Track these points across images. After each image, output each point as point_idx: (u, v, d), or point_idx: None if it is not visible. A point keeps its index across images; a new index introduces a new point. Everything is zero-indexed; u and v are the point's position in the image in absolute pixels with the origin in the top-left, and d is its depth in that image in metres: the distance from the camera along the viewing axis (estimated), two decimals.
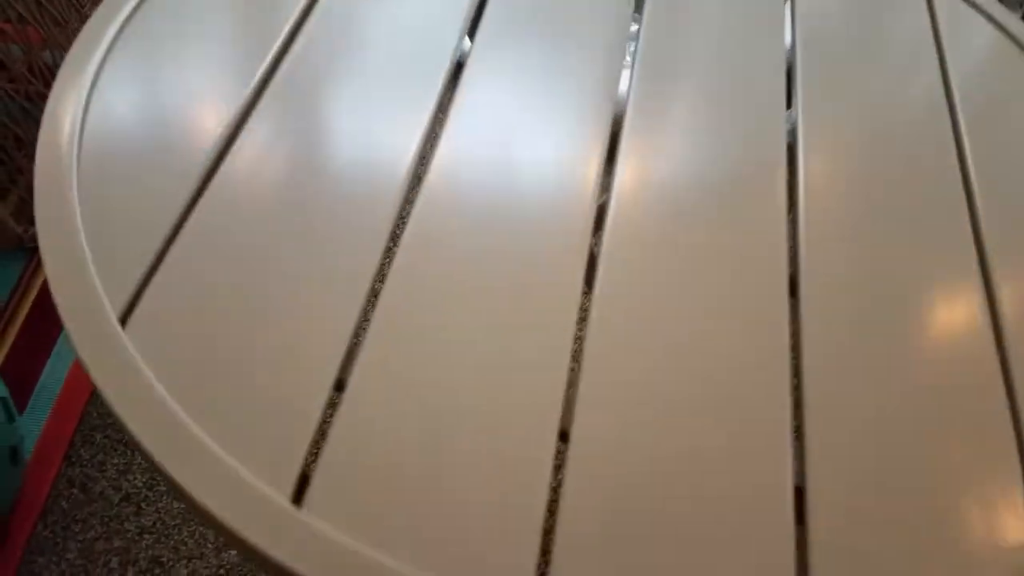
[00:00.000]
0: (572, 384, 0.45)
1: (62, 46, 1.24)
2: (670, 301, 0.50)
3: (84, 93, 0.54)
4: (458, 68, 0.63)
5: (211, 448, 0.41)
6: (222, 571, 0.98)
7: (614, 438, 0.43)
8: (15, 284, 1.17)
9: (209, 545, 0.99)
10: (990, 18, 0.75)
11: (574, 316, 0.48)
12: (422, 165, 0.56)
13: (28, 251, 1.21)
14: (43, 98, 1.27)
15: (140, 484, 1.03)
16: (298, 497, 0.40)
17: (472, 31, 0.66)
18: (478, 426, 0.43)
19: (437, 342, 0.46)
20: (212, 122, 0.55)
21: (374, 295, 0.48)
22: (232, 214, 0.50)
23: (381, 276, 0.49)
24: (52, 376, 1.10)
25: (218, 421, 0.42)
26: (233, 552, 0.99)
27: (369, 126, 0.57)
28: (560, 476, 0.42)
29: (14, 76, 1.18)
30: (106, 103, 0.55)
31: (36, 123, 1.23)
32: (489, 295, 0.48)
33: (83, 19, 1.26)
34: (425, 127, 0.57)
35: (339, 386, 0.45)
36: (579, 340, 0.48)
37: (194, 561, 0.98)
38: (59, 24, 1.22)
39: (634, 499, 0.41)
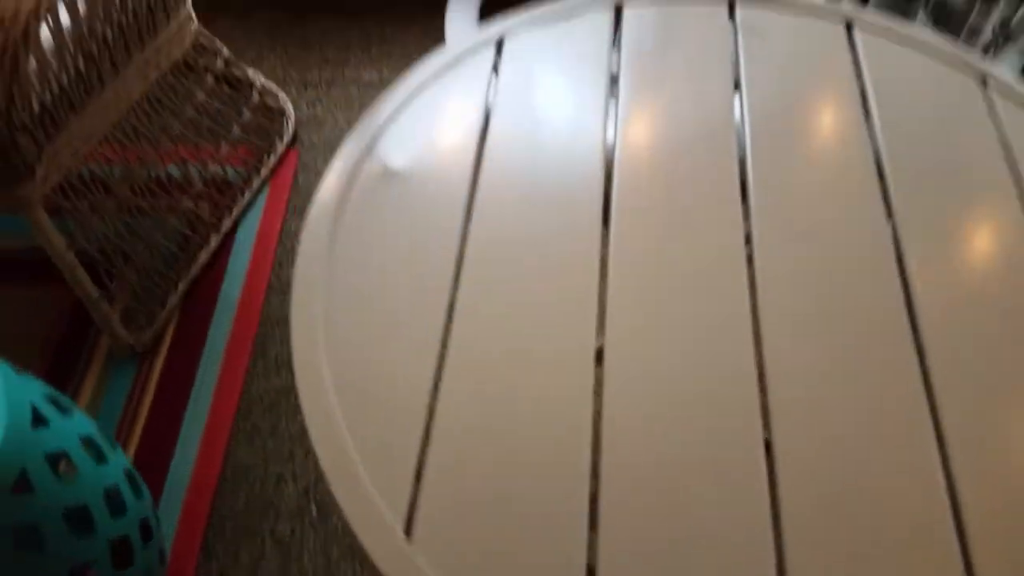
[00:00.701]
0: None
1: (155, 162, 1.33)
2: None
3: (323, 291, 0.59)
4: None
5: None
6: None
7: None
8: (130, 390, 1.25)
9: None
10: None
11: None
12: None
13: (139, 356, 1.29)
14: (142, 212, 1.36)
15: (273, 569, 1.09)
16: None
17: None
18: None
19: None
20: (433, 299, 0.59)
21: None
22: (473, 386, 0.55)
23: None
24: (176, 483, 1.16)
25: None
26: None
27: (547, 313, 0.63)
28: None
29: (119, 196, 1.27)
30: (342, 294, 0.59)
31: (138, 236, 1.32)
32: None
33: (171, 138, 1.35)
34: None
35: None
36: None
37: None
38: (152, 143, 1.31)
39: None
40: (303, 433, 1.22)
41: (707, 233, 0.62)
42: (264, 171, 1.54)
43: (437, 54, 0.75)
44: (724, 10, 0.79)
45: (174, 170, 1.44)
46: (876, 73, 0.74)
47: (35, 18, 0.91)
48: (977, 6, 1.22)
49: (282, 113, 1.62)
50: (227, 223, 1.45)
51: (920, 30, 0.79)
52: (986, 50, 1.19)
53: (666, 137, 0.69)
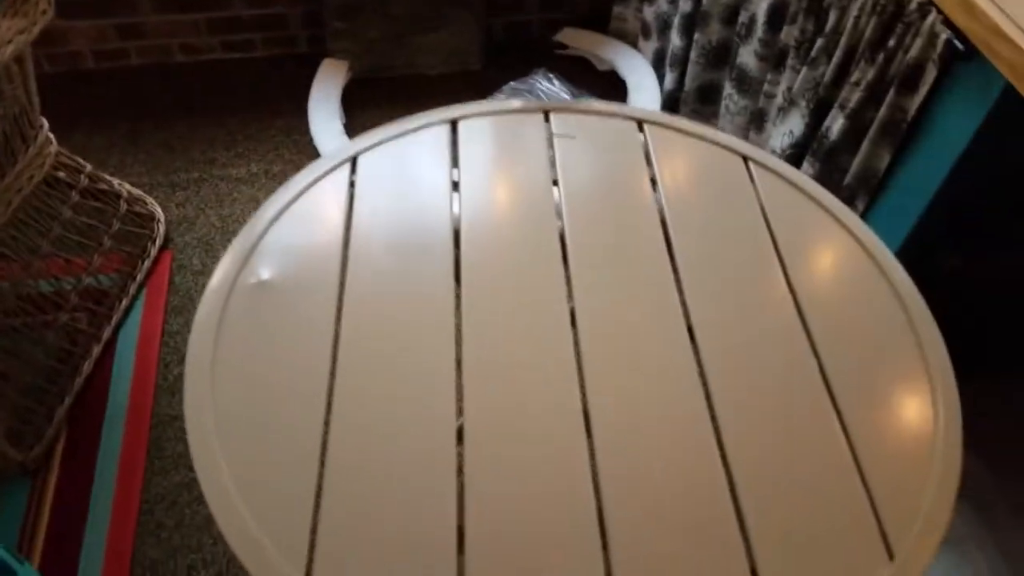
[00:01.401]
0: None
1: (25, 281, 1.37)
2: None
3: (211, 403, 0.68)
4: None
5: None
6: None
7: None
8: (26, 507, 1.26)
9: None
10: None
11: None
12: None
13: (31, 473, 1.30)
14: (17, 331, 1.38)
15: None
16: None
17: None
18: None
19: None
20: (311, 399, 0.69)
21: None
22: (355, 463, 0.65)
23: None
24: None
25: None
26: None
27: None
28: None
29: (8, 310, 1.30)
30: (229, 402, 0.68)
31: (15, 356, 1.34)
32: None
33: (42, 257, 1.39)
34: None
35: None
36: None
37: None
38: (22, 264, 1.35)
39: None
40: (209, 522, 1.27)
41: (538, 290, 0.76)
42: (139, 275, 1.59)
43: (299, 174, 0.86)
44: (540, 116, 0.95)
45: (46, 286, 1.47)
46: (662, 157, 0.91)
47: None
48: (768, 75, 1.45)
49: (152, 218, 1.68)
50: (107, 331, 1.49)
51: (697, 126, 0.97)
52: (779, 111, 1.42)
53: (500, 219, 0.83)
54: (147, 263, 1.61)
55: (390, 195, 0.84)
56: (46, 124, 1.37)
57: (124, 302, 1.54)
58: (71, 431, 1.36)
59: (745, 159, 0.92)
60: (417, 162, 0.88)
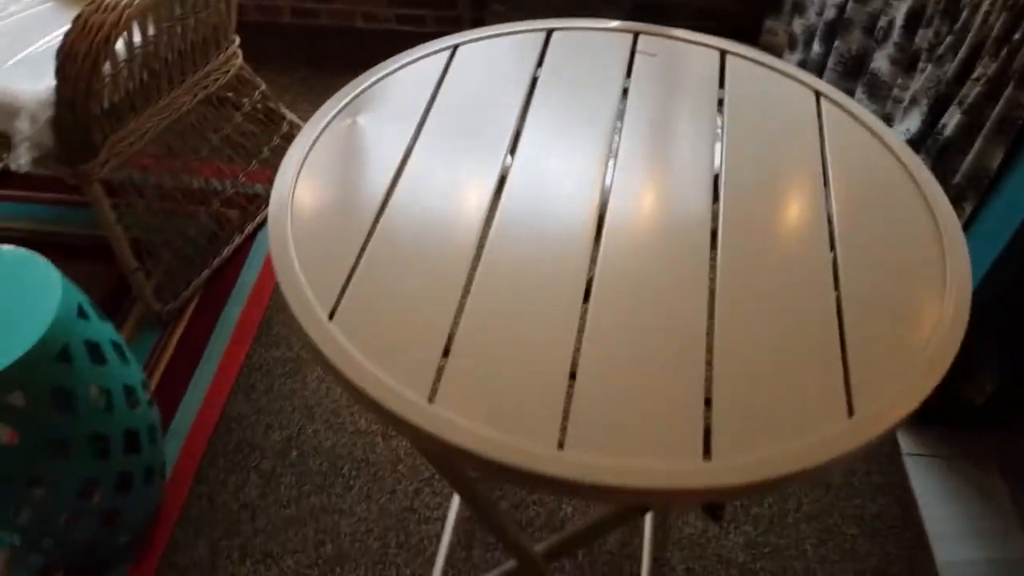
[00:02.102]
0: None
1: (197, 173, 1.60)
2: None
3: (293, 178, 0.82)
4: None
5: (367, 368, 0.66)
6: (320, 562, 1.19)
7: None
8: (154, 345, 1.47)
9: (309, 541, 1.21)
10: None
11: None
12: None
13: (164, 324, 1.52)
14: (180, 211, 1.62)
15: (254, 496, 1.27)
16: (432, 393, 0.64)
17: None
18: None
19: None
20: (379, 179, 0.82)
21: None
22: (398, 238, 0.77)
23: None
24: (182, 421, 1.37)
25: (388, 359, 0.67)
26: (328, 547, 1.21)
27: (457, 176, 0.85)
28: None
29: (163, 191, 1.54)
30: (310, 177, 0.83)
31: (175, 226, 1.58)
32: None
33: (211, 152, 1.63)
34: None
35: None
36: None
37: (297, 554, 1.20)
38: (196, 157, 1.59)
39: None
40: (293, 393, 1.42)
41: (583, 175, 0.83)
42: None
43: (406, 52, 0.99)
44: (630, 36, 1.03)
45: (213, 183, 1.71)
46: (734, 82, 0.96)
47: (115, 31, 1.20)
48: (899, 80, 1.46)
49: None
50: (250, 227, 1.71)
51: (773, 59, 1.01)
52: (903, 112, 1.42)
53: (560, 117, 0.91)
54: None
55: (478, 78, 0.95)
56: (237, 40, 1.62)
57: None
58: (202, 298, 1.57)
59: (817, 94, 0.95)
60: (506, 57, 0.98)
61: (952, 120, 1.23)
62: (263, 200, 1.76)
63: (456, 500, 1.25)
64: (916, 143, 1.35)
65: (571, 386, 0.64)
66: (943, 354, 0.64)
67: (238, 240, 1.68)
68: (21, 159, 1.24)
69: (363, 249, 0.74)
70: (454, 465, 0.75)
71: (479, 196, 0.80)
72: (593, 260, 0.74)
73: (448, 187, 0.82)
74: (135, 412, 1.08)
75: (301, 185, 0.81)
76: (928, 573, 1.21)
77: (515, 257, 0.74)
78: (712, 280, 0.72)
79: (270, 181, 1.79)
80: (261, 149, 1.78)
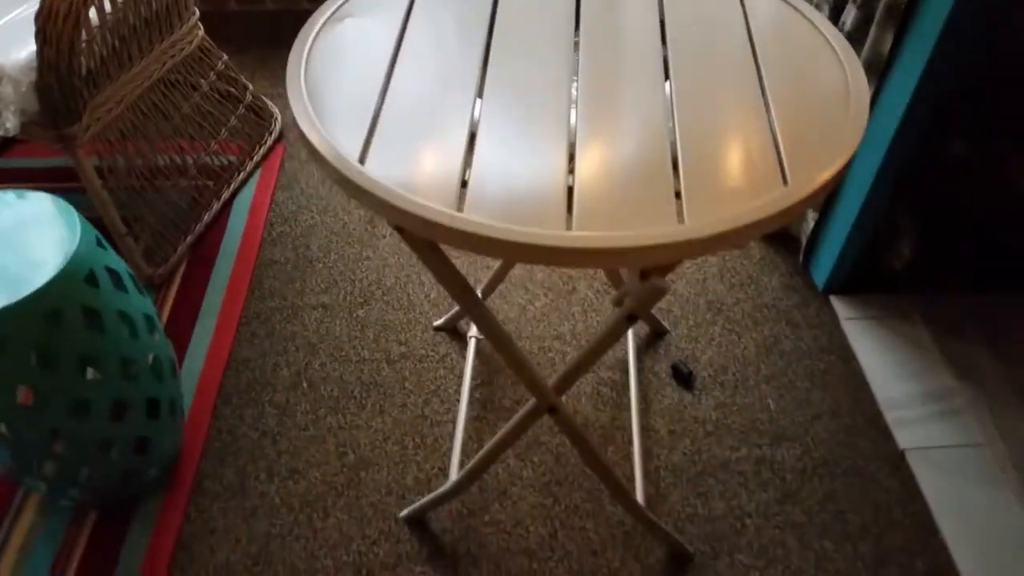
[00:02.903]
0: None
1: (152, 144, 1.65)
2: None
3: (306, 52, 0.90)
4: None
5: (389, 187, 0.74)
6: (344, 469, 1.26)
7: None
8: None
9: (331, 454, 1.28)
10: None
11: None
12: None
13: (156, 287, 1.56)
14: (158, 186, 1.66)
15: (272, 424, 1.33)
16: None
17: None
18: None
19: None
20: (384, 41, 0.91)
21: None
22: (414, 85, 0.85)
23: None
24: (190, 369, 1.42)
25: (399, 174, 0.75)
26: (351, 456, 1.28)
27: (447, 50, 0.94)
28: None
29: (145, 159, 1.58)
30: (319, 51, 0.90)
31: (158, 192, 1.62)
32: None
33: (176, 131, 1.67)
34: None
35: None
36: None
37: (322, 467, 1.27)
38: (147, 133, 1.63)
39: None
40: (294, 335, 1.48)
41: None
42: (256, 157, 1.86)
43: None
44: None
45: (187, 155, 1.76)
46: None
47: None
48: None
49: (271, 115, 1.96)
50: (226, 193, 1.76)
51: None
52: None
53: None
54: (263, 149, 1.88)
55: None
56: (197, 12, 1.67)
57: (241, 175, 1.81)
58: (191, 260, 1.62)
59: None
60: None
61: (850, 16, 1.38)
62: (234, 168, 1.81)
63: (464, 404, 1.33)
64: None
65: (570, 187, 0.74)
66: (846, 143, 0.76)
67: (216, 206, 1.73)
68: (8, 123, 1.28)
69: (381, 101, 0.83)
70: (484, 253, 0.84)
71: (477, 34, 0.90)
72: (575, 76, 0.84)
73: (447, 39, 0.90)
74: (155, 341, 1.14)
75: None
76: (871, 407, 1.39)
77: (514, 78, 0.84)
78: (668, 99, 0.84)
79: (240, 150, 1.84)
80: (228, 118, 1.83)
